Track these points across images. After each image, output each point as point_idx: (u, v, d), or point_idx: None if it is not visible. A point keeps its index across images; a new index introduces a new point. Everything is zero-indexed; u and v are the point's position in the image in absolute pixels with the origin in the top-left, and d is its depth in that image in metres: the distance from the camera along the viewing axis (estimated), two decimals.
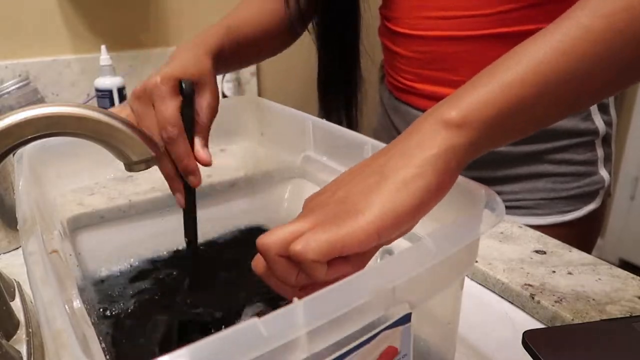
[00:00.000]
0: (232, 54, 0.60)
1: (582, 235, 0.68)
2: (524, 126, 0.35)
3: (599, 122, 0.70)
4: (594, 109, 0.69)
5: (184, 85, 0.48)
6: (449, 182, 0.32)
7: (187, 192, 0.52)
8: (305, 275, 0.29)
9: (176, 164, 0.50)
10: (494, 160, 0.71)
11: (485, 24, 0.64)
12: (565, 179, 0.71)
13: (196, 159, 0.50)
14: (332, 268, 0.29)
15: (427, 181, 0.30)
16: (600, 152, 0.71)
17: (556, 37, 0.33)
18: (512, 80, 0.32)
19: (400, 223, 0.29)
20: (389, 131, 0.85)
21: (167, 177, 0.51)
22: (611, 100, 0.72)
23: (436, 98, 0.73)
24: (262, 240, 0.30)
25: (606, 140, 0.72)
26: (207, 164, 0.50)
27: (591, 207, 0.72)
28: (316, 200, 0.33)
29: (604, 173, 0.72)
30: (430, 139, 0.32)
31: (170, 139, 0.47)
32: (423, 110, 0.84)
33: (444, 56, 0.68)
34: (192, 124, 0.50)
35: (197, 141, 0.50)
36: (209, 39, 0.56)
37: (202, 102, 0.51)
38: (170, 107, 0.47)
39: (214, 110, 0.52)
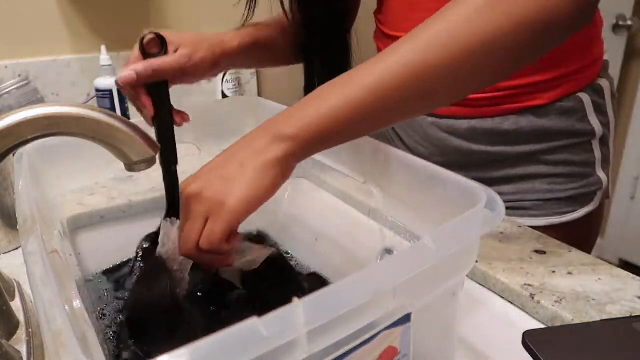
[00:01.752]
0: (250, 51, 0.67)
1: (580, 237, 0.67)
2: (355, 132, 0.45)
3: (595, 123, 0.69)
4: (589, 109, 0.69)
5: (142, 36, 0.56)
6: (282, 180, 0.43)
7: (154, 94, 0.56)
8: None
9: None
10: (491, 161, 0.71)
11: None
12: (562, 180, 0.70)
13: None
14: (229, 240, 0.43)
15: (272, 175, 0.42)
16: (597, 153, 0.71)
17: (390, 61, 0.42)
18: (339, 99, 0.42)
19: (252, 207, 0.42)
20: (384, 134, 0.85)
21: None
22: (608, 100, 0.71)
23: None
24: (183, 251, 0.45)
25: (603, 142, 0.72)
26: (119, 82, 0.55)
27: (588, 208, 0.72)
28: (193, 193, 0.43)
29: (601, 175, 0.71)
30: (267, 149, 0.42)
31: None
32: None
33: None
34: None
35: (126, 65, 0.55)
36: (237, 33, 0.66)
37: (172, 53, 0.58)
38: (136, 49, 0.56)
39: (169, 60, 0.57)
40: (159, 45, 0.56)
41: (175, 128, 0.57)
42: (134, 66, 0.54)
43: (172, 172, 0.56)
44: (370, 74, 0.42)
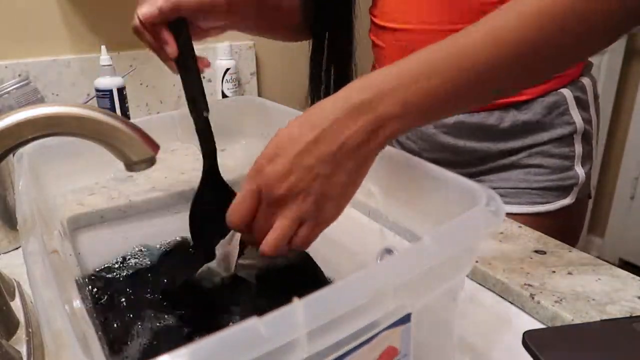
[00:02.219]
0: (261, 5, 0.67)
1: (554, 231, 0.67)
2: (453, 109, 0.42)
3: (576, 117, 0.70)
4: (572, 103, 0.70)
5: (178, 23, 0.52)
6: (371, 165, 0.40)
7: (176, 36, 0.53)
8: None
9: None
10: (477, 159, 0.73)
11: (467, 17, 0.64)
12: (539, 171, 0.72)
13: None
14: None
15: (364, 173, 0.40)
16: (578, 149, 0.72)
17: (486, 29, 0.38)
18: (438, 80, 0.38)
19: (349, 200, 0.41)
20: None
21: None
22: (591, 100, 0.72)
23: None
24: (266, 249, 0.40)
25: (585, 138, 0.72)
26: (139, 17, 0.52)
27: (564, 202, 0.72)
28: (285, 189, 0.38)
29: (579, 170, 0.72)
30: (372, 136, 0.37)
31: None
32: None
33: (423, 46, 0.69)
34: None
35: None
36: None
37: None
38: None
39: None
40: None
41: (175, 129, 0.56)
42: (154, 1, 0.52)
43: (203, 120, 0.52)
44: (469, 47, 0.38)
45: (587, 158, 0.73)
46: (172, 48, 0.53)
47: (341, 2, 0.76)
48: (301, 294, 0.25)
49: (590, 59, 0.76)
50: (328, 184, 0.37)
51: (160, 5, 0.52)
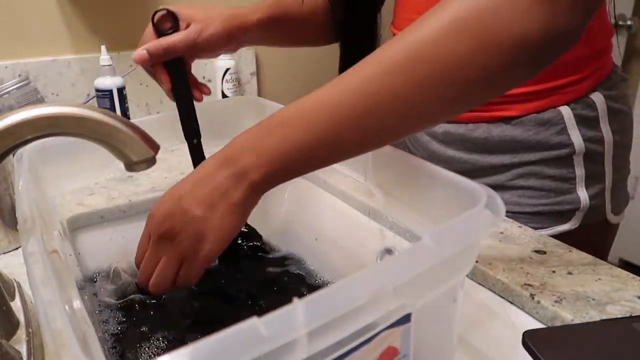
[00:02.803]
0: (273, 26, 0.66)
1: None
2: (321, 163, 0.42)
3: (576, 137, 0.65)
4: (570, 123, 0.65)
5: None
6: (248, 215, 0.44)
7: (170, 70, 0.59)
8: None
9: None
10: (466, 170, 0.70)
11: None
12: (532, 194, 0.67)
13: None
14: None
15: (238, 218, 0.43)
16: (579, 170, 0.66)
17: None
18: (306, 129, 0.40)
19: (223, 249, 0.44)
20: None
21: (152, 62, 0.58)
22: (603, 117, 0.66)
23: None
24: (154, 289, 0.46)
25: (591, 159, 0.66)
26: (135, 60, 0.57)
27: (563, 228, 0.68)
28: (164, 231, 0.44)
29: (582, 194, 0.67)
30: (234, 189, 0.42)
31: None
32: None
33: None
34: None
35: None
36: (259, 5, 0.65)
37: (183, 30, 0.59)
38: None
39: (181, 37, 0.58)
40: (171, 21, 0.58)
41: (175, 129, 0.57)
42: (146, 45, 0.56)
43: (195, 146, 0.58)
44: (333, 96, 0.39)
45: (595, 180, 0.67)
46: (166, 85, 0.59)
47: (367, 12, 0.74)
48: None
49: (616, 69, 0.70)
50: (202, 224, 0.42)
51: (150, 49, 0.56)
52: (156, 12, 0.57)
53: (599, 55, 0.67)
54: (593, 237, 0.70)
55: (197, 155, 0.59)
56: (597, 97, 0.66)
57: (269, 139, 0.40)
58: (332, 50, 0.78)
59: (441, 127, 0.71)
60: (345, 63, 0.77)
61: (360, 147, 0.42)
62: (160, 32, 0.57)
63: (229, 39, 0.61)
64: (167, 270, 0.44)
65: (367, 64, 0.39)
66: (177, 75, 0.58)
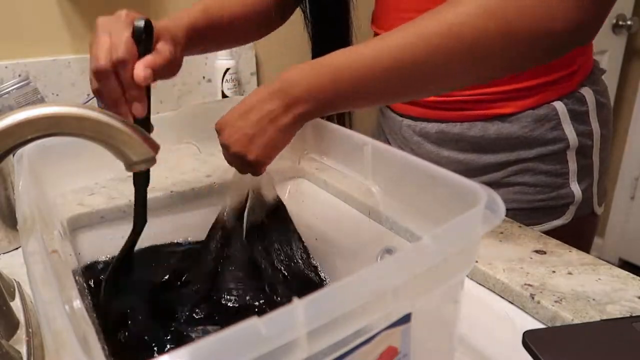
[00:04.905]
0: (207, 31, 0.63)
1: None
2: (361, 100, 0.50)
3: (569, 132, 0.66)
4: (564, 117, 0.66)
5: (136, 23, 0.51)
6: (293, 135, 0.51)
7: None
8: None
9: (124, 88, 0.50)
10: (460, 171, 0.70)
11: None
12: (529, 190, 0.68)
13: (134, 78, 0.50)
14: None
15: (285, 137, 0.50)
16: (572, 165, 0.67)
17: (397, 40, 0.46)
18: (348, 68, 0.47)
19: (273, 158, 0.52)
20: (379, 136, 0.85)
21: (112, 102, 0.51)
22: (592, 111, 0.68)
23: (409, 101, 0.74)
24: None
25: (582, 153, 0.68)
26: (140, 81, 0.49)
27: (557, 222, 0.69)
28: (223, 144, 0.52)
29: (574, 188, 0.68)
30: (283, 114, 0.49)
31: (119, 60, 0.49)
32: (397, 113, 0.84)
33: None
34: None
35: (141, 61, 0.50)
36: (184, 14, 0.61)
37: (160, 46, 0.53)
38: (125, 33, 0.50)
39: (167, 56, 0.52)
40: (147, 33, 0.52)
41: (175, 129, 0.57)
42: (145, 63, 0.50)
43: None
44: (374, 49, 0.46)
45: (585, 174, 0.69)
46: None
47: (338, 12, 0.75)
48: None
49: (600, 64, 0.72)
50: (250, 142, 0.50)
51: (154, 66, 0.51)
52: (143, 20, 0.51)
53: (585, 49, 0.68)
54: (582, 230, 0.72)
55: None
56: (587, 92, 0.67)
57: (317, 80, 0.48)
58: None
59: (435, 127, 0.71)
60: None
61: (392, 98, 0.54)
62: (139, 42, 0.51)
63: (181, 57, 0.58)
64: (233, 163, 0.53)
65: (406, 32, 0.46)
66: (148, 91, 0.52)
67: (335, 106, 0.50)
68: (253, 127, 0.49)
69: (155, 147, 0.41)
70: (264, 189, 0.59)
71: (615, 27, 1.92)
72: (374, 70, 0.46)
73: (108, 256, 0.62)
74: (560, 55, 0.46)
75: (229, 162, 0.54)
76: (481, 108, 0.67)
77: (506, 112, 0.66)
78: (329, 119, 0.84)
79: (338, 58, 0.48)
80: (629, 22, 1.92)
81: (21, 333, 0.44)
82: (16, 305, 0.47)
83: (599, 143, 0.69)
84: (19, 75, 1.04)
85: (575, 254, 0.54)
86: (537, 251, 0.55)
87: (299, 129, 0.51)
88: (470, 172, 0.70)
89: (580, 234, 0.70)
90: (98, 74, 0.49)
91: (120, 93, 0.50)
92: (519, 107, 0.66)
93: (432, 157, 0.72)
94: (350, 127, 0.84)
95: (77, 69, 1.13)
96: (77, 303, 0.31)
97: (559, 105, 0.65)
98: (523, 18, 0.42)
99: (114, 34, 0.50)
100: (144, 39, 0.51)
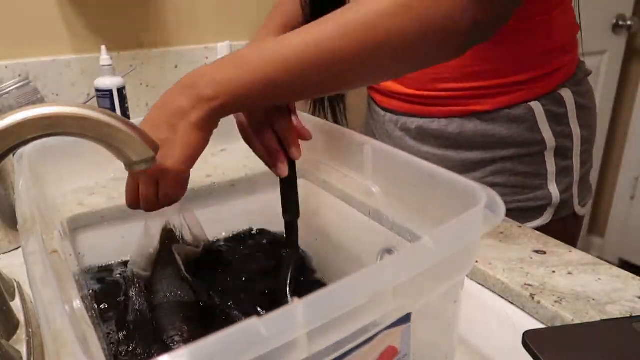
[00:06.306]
0: None
1: None
2: (271, 97, 0.47)
3: (547, 133, 0.66)
4: (541, 118, 0.66)
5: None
6: (210, 134, 0.47)
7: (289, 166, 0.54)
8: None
9: (281, 138, 0.52)
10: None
11: None
12: (504, 191, 0.68)
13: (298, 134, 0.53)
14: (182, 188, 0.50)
15: (200, 135, 0.46)
16: (550, 166, 0.67)
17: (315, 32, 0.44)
18: (260, 62, 0.45)
19: (191, 163, 0.47)
20: (367, 131, 0.85)
21: (270, 150, 0.53)
22: (572, 113, 0.68)
23: (391, 95, 0.74)
24: (147, 208, 0.50)
25: (561, 154, 0.68)
26: (307, 138, 0.54)
27: (534, 224, 0.69)
28: None
29: (552, 189, 0.68)
30: (192, 110, 0.45)
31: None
32: (380, 107, 0.84)
33: None
34: None
35: (295, 119, 0.53)
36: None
37: None
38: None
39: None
40: None
41: None
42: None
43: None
44: (285, 46, 0.44)
45: (565, 175, 0.69)
46: (283, 170, 0.53)
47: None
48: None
49: (587, 64, 0.73)
50: (166, 144, 0.45)
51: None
52: None
53: (564, 50, 0.68)
54: (563, 231, 0.71)
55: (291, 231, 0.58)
56: (566, 93, 0.67)
57: (221, 73, 0.45)
58: None
59: (415, 123, 0.71)
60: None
61: (306, 92, 0.49)
62: None
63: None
64: (146, 193, 0.48)
65: (326, 23, 0.44)
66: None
67: (254, 100, 0.46)
68: (167, 131, 0.46)
69: (155, 147, 0.41)
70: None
71: (615, 27, 1.92)
72: (287, 63, 0.44)
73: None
74: (462, 52, 0.46)
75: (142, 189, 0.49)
76: (459, 104, 0.67)
77: (483, 110, 0.66)
78: (323, 114, 0.84)
79: (248, 50, 0.47)
80: (629, 22, 1.92)
81: (21, 333, 0.44)
82: (16, 305, 0.47)
83: (580, 144, 0.69)
84: (19, 75, 1.04)
85: (575, 254, 0.54)
86: (537, 251, 0.55)
87: (215, 126, 0.47)
88: (448, 169, 0.70)
89: (561, 235, 0.68)
90: None
91: (277, 142, 0.53)
92: (495, 104, 0.66)
93: (413, 152, 0.71)
94: (346, 121, 0.84)
95: (77, 69, 1.13)
96: (77, 303, 0.31)
97: (535, 106, 0.66)
98: (432, 11, 0.42)
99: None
100: None
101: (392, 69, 0.48)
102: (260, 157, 0.53)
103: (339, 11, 0.44)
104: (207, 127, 0.46)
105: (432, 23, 0.42)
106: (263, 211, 0.70)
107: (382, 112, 0.77)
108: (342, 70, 0.45)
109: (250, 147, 0.54)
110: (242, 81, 0.45)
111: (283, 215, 0.57)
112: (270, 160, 0.53)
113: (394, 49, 0.43)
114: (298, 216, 0.57)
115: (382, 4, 0.42)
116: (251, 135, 0.53)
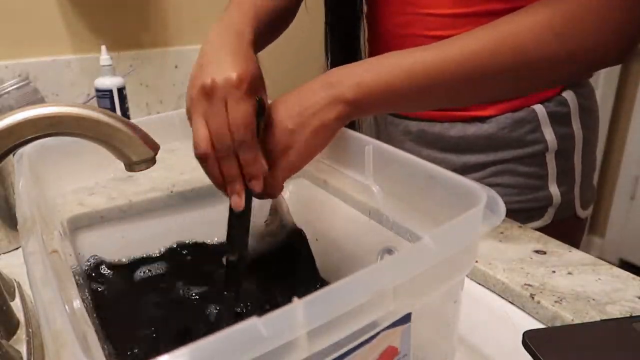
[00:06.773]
0: (259, 40, 0.58)
1: None
2: (406, 105, 0.52)
3: (549, 134, 0.66)
4: (544, 120, 0.66)
5: (257, 99, 0.46)
6: (333, 137, 0.48)
7: (246, 197, 0.47)
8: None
9: (242, 168, 0.46)
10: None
11: (452, 25, 0.63)
12: (506, 191, 0.68)
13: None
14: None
15: (324, 138, 0.48)
16: (551, 167, 0.67)
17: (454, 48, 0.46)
18: (397, 73, 0.47)
19: (307, 162, 0.48)
20: (371, 133, 0.85)
21: (228, 179, 0.47)
22: (575, 114, 0.68)
23: None
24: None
25: (562, 156, 0.68)
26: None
27: (535, 224, 0.69)
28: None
29: (553, 190, 0.68)
30: (327, 109, 0.46)
31: (242, 142, 0.45)
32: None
33: None
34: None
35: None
36: (244, 27, 0.53)
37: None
38: (246, 110, 0.44)
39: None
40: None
41: (175, 129, 0.56)
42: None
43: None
44: (427, 56, 0.46)
45: (566, 176, 0.69)
46: (239, 203, 0.48)
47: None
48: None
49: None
50: (291, 137, 0.46)
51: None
52: (258, 99, 0.47)
53: None
54: (564, 233, 0.70)
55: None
56: (569, 95, 0.67)
57: (371, 76, 0.46)
58: None
59: (416, 126, 0.71)
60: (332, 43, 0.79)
61: (441, 102, 0.53)
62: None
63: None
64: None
65: (471, 40, 0.46)
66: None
67: (380, 109, 0.50)
68: (298, 124, 0.46)
69: (155, 147, 0.41)
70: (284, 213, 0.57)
71: None
72: (433, 75, 0.46)
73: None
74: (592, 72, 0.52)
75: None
76: (461, 109, 0.67)
77: (485, 115, 0.66)
78: None
79: (395, 58, 0.47)
80: None
81: (21, 333, 0.44)
82: (16, 305, 0.47)
83: (582, 146, 0.69)
84: (19, 75, 1.04)
85: (575, 254, 0.54)
86: (537, 251, 0.55)
87: (335, 134, 0.48)
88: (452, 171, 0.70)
89: (562, 236, 0.67)
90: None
91: (238, 171, 0.47)
92: (499, 110, 0.66)
93: (413, 155, 0.72)
94: (358, 122, 0.84)
95: (77, 69, 1.13)
96: (77, 303, 0.31)
97: (538, 108, 0.66)
98: (582, 43, 0.45)
99: (232, 106, 0.45)
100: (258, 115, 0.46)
101: (521, 90, 0.52)
102: (213, 179, 0.49)
103: (492, 25, 0.46)
104: (334, 129, 0.48)
105: (580, 55, 0.45)
106: (264, 212, 0.70)
107: (384, 115, 0.77)
108: (481, 85, 0.48)
109: (200, 164, 0.48)
110: (388, 88, 0.46)
111: (226, 252, 0.49)
112: (229, 189, 0.48)
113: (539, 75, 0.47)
114: (246, 255, 0.50)
115: (526, 25, 0.45)
116: (211, 155, 0.46)
